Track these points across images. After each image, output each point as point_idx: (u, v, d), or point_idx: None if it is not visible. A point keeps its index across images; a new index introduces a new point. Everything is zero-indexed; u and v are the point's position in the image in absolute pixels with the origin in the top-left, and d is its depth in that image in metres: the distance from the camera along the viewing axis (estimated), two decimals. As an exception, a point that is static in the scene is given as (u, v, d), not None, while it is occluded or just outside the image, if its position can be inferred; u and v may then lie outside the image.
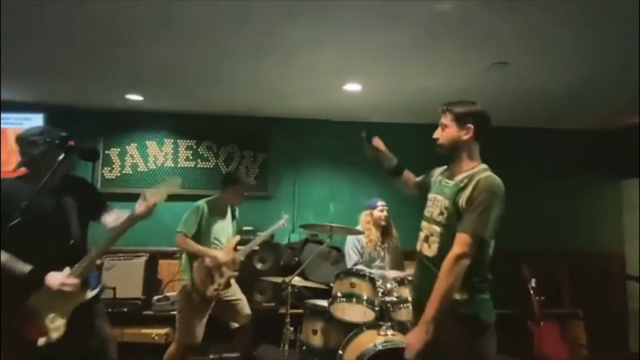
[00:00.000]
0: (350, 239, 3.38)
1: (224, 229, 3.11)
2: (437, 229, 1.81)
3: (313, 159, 4.56)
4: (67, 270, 1.85)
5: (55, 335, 1.79)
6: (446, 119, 1.90)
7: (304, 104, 4.07)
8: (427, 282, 1.73)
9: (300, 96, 3.85)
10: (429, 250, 1.82)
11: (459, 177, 1.81)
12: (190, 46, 2.82)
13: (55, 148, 1.88)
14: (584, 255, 4.43)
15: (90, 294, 1.92)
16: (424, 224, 1.90)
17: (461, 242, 1.68)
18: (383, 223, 3.37)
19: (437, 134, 1.91)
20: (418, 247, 1.90)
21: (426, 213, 1.91)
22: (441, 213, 1.80)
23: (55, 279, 1.80)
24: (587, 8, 2.25)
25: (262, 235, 3.39)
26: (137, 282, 3.84)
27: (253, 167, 4.47)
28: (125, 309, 3.67)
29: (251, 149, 4.48)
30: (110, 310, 3.59)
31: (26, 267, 1.79)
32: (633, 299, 4.44)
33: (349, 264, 3.31)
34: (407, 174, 2.21)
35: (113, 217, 2.03)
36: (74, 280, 1.81)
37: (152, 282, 4.03)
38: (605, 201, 4.71)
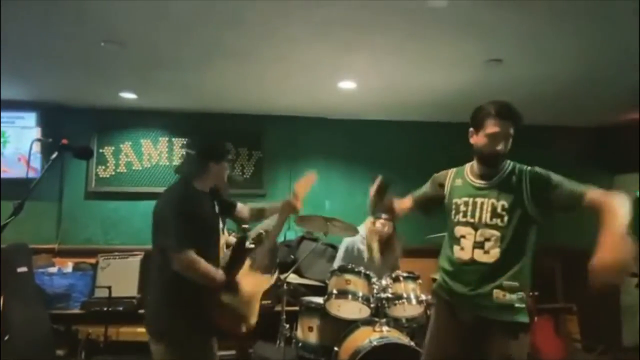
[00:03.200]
0: (347, 240, 3.38)
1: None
2: (496, 232, 1.74)
3: (308, 156, 4.56)
4: (248, 260, 2.01)
5: (253, 322, 2.01)
6: (511, 129, 1.89)
7: (299, 101, 4.07)
8: (487, 288, 1.72)
9: (295, 94, 3.85)
10: (488, 256, 1.74)
11: (500, 177, 1.81)
12: (184, 44, 2.81)
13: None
14: (578, 250, 4.42)
15: (272, 278, 2.14)
16: (466, 229, 1.80)
17: (597, 190, 1.67)
18: (384, 235, 3.30)
19: (502, 145, 1.83)
20: (464, 255, 1.80)
21: (467, 219, 1.81)
22: (498, 216, 1.74)
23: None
24: (584, 4, 2.25)
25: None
26: (132, 281, 3.84)
27: (248, 165, 4.47)
28: (121, 308, 3.67)
29: (246, 147, 4.48)
30: (105, 309, 3.59)
31: (221, 275, 1.89)
32: (626, 293, 4.49)
33: (335, 264, 3.30)
34: (401, 205, 2.14)
35: (245, 209, 2.25)
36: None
37: (147, 280, 4.02)
38: (600, 197, 4.74)
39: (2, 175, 3.94)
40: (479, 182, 1.83)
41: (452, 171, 1.97)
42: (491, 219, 1.76)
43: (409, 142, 4.58)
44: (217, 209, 2.06)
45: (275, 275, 2.18)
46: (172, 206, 1.87)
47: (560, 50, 2.83)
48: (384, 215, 3.32)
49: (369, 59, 3.03)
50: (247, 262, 2.01)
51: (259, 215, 2.29)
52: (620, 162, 4.51)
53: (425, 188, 2.06)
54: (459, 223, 1.83)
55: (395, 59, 3.03)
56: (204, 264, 1.82)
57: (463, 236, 1.81)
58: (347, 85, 3.55)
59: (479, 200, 1.80)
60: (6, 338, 3.33)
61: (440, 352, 1.84)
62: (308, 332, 3.01)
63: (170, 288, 1.86)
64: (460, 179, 1.90)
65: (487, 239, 1.75)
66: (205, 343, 1.92)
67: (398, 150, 4.57)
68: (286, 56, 2.98)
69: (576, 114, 4.34)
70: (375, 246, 3.29)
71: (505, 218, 1.74)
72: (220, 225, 3.04)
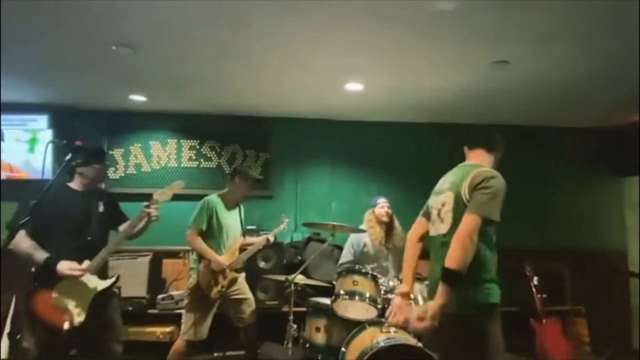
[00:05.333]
0: (352, 237, 3.40)
1: (234, 225, 3.15)
2: None
3: (315, 158, 4.58)
4: (86, 262, 2.12)
5: (77, 320, 2.03)
6: None
7: (306, 103, 4.10)
8: None
9: (302, 96, 3.87)
10: None
11: None
12: (192, 47, 2.84)
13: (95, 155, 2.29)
14: (586, 252, 4.44)
15: (105, 283, 2.15)
16: None
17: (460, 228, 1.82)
18: (385, 219, 3.38)
19: None
20: None
21: None
22: None
23: (65, 265, 2.06)
24: (589, 6, 2.26)
25: (260, 241, 3.28)
26: (141, 281, 3.87)
27: (255, 167, 4.50)
28: (130, 308, 3.70)
29: (253, 149, 4.51)
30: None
31: (44, 255, 2.07)
32: (635, 295, 4.45)
33: (341, 260, 3.33)
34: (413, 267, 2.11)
35: (125, 225, 2.36)
36: (80, 267, 2.08)
37: (156, 281, 4.06)
38: (607, 198, 4.71)
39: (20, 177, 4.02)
40: None
41: None
42: None
43: (415, 144, 4.58)
44: (100, 207, 2.27)
45: (112, 281, 2.25)
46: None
47: (567, 52, 2.83)
48: (380, 199, 3.41)
49: (376, 61, 3.05)
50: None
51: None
52: (628, 164, 4.47)
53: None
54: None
55: (402, 61, 3.04)
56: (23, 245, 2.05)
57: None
58: (354, 87, 3.57)
59: None
60: (18, 337, 3.39)
61: None
62: (315, 333, 3.02)
63: None
64: None
65: None
66: None
67: (404, 152, 4.58)
68: (293, 58, 3.01)
69: (583, 116, 4.32)
70: (378, 234, 3.33)
71: None
72: (229, 226, 3.10)
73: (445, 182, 1.99)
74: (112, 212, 2.40)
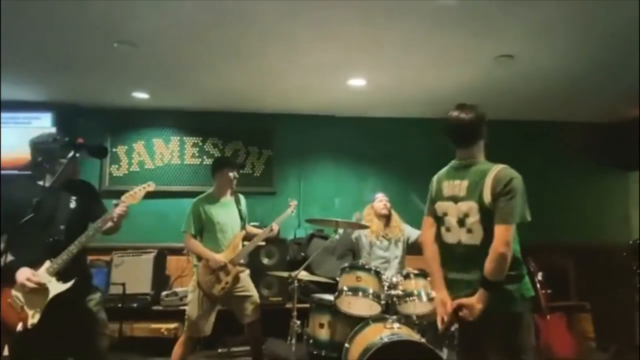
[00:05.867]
0: (357, 232, 3.42)
1: (229, 220, 3.13)
2: None
3: (318, 154, 4.58)
4: (47, 263, 2.00)
5: (30, 322, 1.92)
6: None
7: (309, 99, 4.09)
8: None
9: (304, 92, 3.87)
10: None
11: None
12: (195, 44, 2.84)
13: (61, 150, 2.08)
14: (591, 247, 4.41)
15: (62, 286, 2.02)
16: None
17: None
18: (384, 212, 3.40)
19: None
20: None
21: None
22: None
23: (22, 275, 1.95)
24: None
25: (263, 232, 3.22)
26: (146, 278, 3.89)
27: (258, 164, 4.50)
28: (135, 305, 3.73)
29: (256, 146, 4.51)
30: (120, 305, 3.65)
31: (8, 259, 1.97)
32: (641, 291, 4.42)
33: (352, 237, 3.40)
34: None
35: (96, 223, 2.18)
36: (36, 279, 1.95)
37: (160, 277, 4.09)
38: (612, 193, 4.68)
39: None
40: None
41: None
42: None
43: (418, 139, 4.56)
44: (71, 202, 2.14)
45: (68, 285, 2.09)
46: None
47: (571, 46, 2.80)
48: (378, 194, 3.45)
49: (379, 56, 3.03)
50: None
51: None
52: (635, 158, 4.43)
53: None
54: None
55: (405, 56, 3.02)
56: None
57: None
58: (357, 82, 3.55)
59: None
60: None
61: None
62: (319, 329, 3.02)
63: None
64: None
65: None
66: None
67: (408, 148, 4.56)
68: (296, 55, 3.00)
69: (588, 110, 4.29)
70: (377, 226, 3.35)
71: None
72: (221, 221, 3.07)
73: (457, 187, 1.93)
74: (88, 205, 2.23)
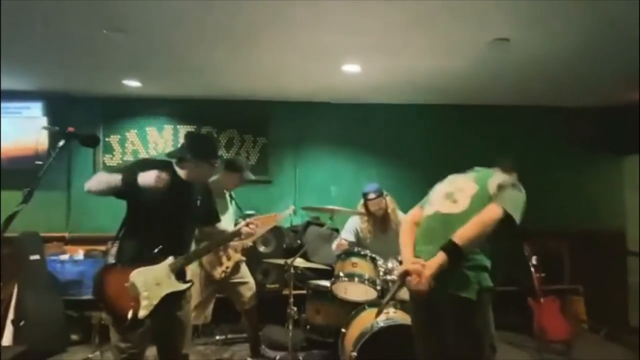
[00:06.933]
0: (354, 218, 3.37)
1: (224, 212, 3.13)
2: None
3: (313, 141, 4.56)
4: (170, 259, 2.00)
5: (142, 313, 1.90)
6: None
7: (303, 86, 4.05)
8: None
9: (299, 78, 3.83)
10: None
11: None
12: (187, 30, 2.79)
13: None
14: (585, 232, 4.45)
15: (182, 285, 2.04)
16: None
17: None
18: (379, 213, 3.25)
19: None
20: None
21: None
22: None
23: (150, 175, 1.90)
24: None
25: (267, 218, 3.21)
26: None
27: (253, 152, 4.48)
28: (132, 293, 3.73)
29: (251, 134, 4.48)
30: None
31: (118, 177, 1.94)
32: (633, 273, 4.48)
33: (342, 235, 3.30)
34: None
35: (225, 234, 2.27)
36: (166, 175, 1.92)
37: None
38: (607, 178, 4.70)
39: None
40: None
41: None
42: None
43: (414, 125, 4.54)
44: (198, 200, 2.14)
45: (187, 285, 2.13)
46: None
47: (567, 29, 2.77)
48: (370, 191, 3.22)
49: (373, 42, 3.00)
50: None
51: None
52: (629, 143, 4.45)
53: None
54: None
55: (399, 41, 2.99)
56: None
57: None
58: (352, 68, 3.52)
59: None
60: (21, 324, 3.43)
61: None
62: (315, 315, 3.06)
63: None
64: None
65: None
66: None
67: (403, 134, 4.54)
68: (290, 40, 2.96)
69: (583, 94, 4.27)
70: (370, 226, 3.25)
71: None
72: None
73: (465, 177, 1.94)
74: (206, 208, 2.21)
